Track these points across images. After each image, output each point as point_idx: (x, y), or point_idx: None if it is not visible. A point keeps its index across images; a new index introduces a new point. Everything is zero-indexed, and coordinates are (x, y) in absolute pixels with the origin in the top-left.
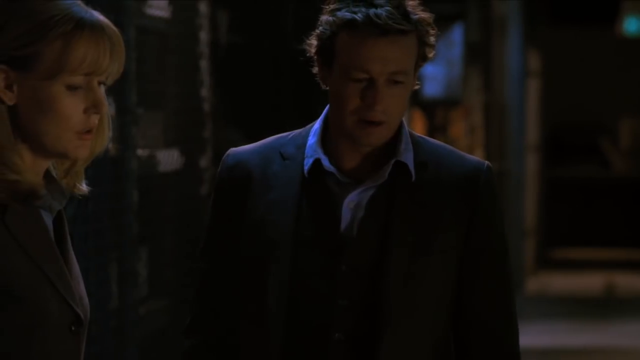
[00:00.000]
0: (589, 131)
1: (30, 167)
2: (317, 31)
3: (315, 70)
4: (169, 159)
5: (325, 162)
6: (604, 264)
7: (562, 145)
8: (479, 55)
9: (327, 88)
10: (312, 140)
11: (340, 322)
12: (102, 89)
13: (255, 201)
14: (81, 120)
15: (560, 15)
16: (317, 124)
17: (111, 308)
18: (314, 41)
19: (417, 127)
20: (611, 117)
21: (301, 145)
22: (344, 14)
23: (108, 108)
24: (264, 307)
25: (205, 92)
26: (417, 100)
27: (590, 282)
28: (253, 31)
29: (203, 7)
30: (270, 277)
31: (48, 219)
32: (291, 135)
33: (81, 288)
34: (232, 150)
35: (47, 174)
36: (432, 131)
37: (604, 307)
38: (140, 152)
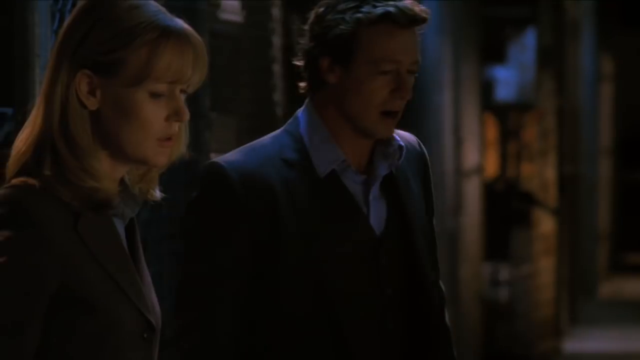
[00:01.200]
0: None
1: (109, 174)
2: (328, 31)
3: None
4: None
5: (348, 162)
6: None
7: (636, 149)
8: (551, 59)
9: (330, 86)
10: (317, 140)
11: (390, 310)
12: (183, 97)
13: (286, 211)
14: (162, 127)
15: (632, 19)
16: (305, 125)
17: None
18: (314, 42)
19: (490, 131)
20: None
21: (300, 148)
22: (372, 9)
23: (188, 116)
24: (318, 314)
25: (277, 96)
26: (490, 104)
27: None
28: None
29: (276, 11)
30: (322, 285)
31: (120, 227)
32: (274, 140)
33: (153, 295)
34: (225, 163)
35: (121, 181)
36: (505, 135)
37: None
38: (213, 156)
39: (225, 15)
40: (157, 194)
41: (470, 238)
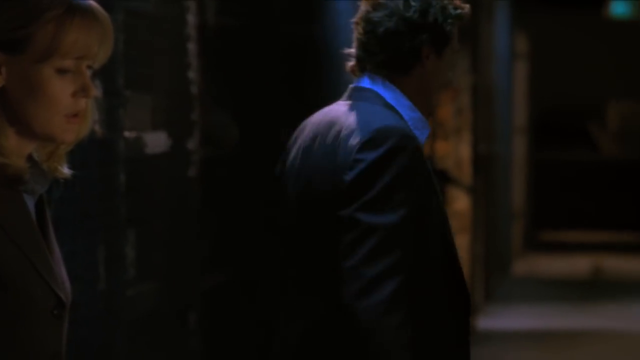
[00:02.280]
0: (577, 114)
1: (16, 150)
2: (441, 23)
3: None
4: (157, 142)
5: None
6: (592, 247)
7: (551, 128)
8: (466, 37)
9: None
10: (415, 115)
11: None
12: (89, 73)
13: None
14: (70, 103)
15: None
16: (399, 101)
17: (99, 290)
18: (426, 33)
19: None
20: (599, 100)
21: (405, 123)
22: (460, 4)
23: (95, 92)
24: (446, 258)
25: (193, 74)
26: None
27: (578, 265)
28: (242, 13)
29: None
30: (446, 236)
31: (30, 203)
32: (388, 114)
33: (63, 272)
34: (406, 132)
35: (30, 157)
36: None
37: (592, 289)
38: (127, 134)
39: None
40: (66, 171)
41: None
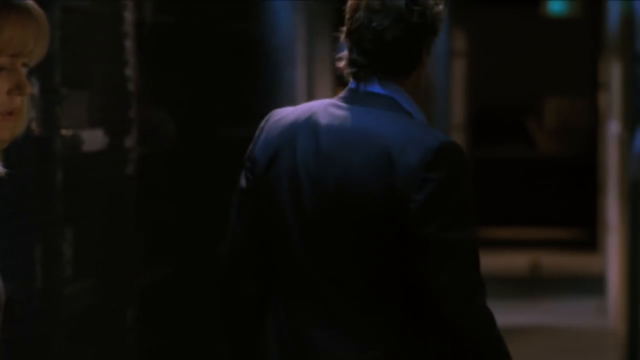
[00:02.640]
0: (514, 111)
1: None
2: (435, 23)
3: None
4: (94, 139)
5: None
6: (530, 243)
7: (488, 125)
8: None
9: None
10: (422, 117)
11: None
12: (25, 70)
13: None
14: (5, 101)
15: None
16: (411, 105)
17: (36, 288)
18: (427, 35)
19: None
20: (536, 97)
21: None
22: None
23: (31, 90)
24: None
25: (130, 72)
26: (343, 80)
27: (515, 261)
28: (179, 11)
29: None
30: None
31: None
32: (424, 125)
33: None
34: (456, 143)
35: None
36: None
37: (529, 286)
38: (64, 132)
39: None
40: (1, 169)
41: None
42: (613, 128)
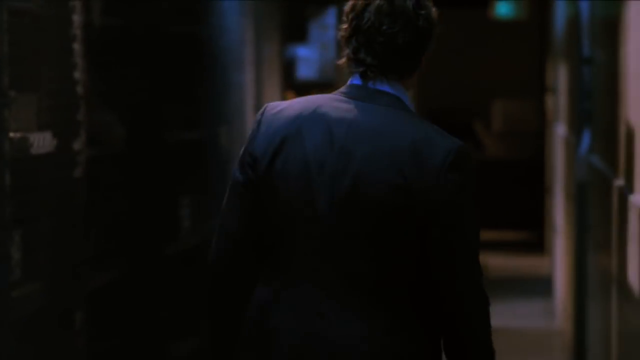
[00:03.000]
0: (462, 114)
1: None
2: (435, 26)
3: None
4: (42, 142)
5: None
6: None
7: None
8: None
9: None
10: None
11: None
12: None
13: None
14: None
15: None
16: (409, 104)
17: None
18: (432, 38)
19: None
20: (484, 100)
21: None
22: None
23: None
24: None
25: (78, 74)
26: (292, 82)
27: None
28: (127, 13)
29: None
30: None
31: None
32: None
33: None
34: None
35: None
36: None
37: None
38: (12, 134)
39: None
40: None
41: None
42: (560, 131)
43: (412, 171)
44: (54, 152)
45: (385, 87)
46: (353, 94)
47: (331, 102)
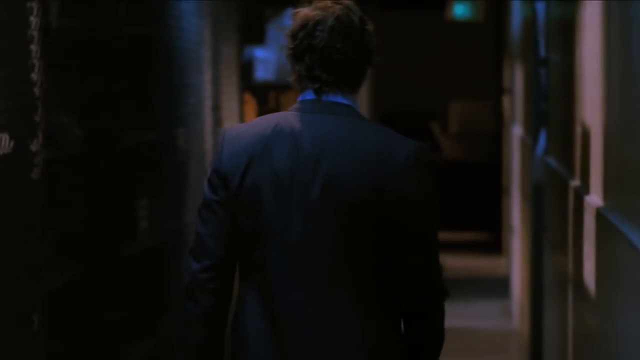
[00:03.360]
0: (419, 115)
1: None
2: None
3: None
4: None
5: None
6: None
7: (396, 130)
8: None
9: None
10: None
11: None
12: None
13: None
14: None
15: (391, 2)
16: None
17: None
18: (367, 52)
19: (249, 110)
20: (441, 102)
21: None
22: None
23: None
24: None
25: (35, 76)
26: (249, 84)
27: None
28: (85, 15)
29: None
30: None
31: None
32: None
33: None
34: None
35: None
36: (264, 114)
37: None
38: None
39: None
40: None
41: None
42: (516, 132)
43: (377, 172)
44: (11, 154)
45: (339, 99)
46: (309, 109)
47: (291, 118)
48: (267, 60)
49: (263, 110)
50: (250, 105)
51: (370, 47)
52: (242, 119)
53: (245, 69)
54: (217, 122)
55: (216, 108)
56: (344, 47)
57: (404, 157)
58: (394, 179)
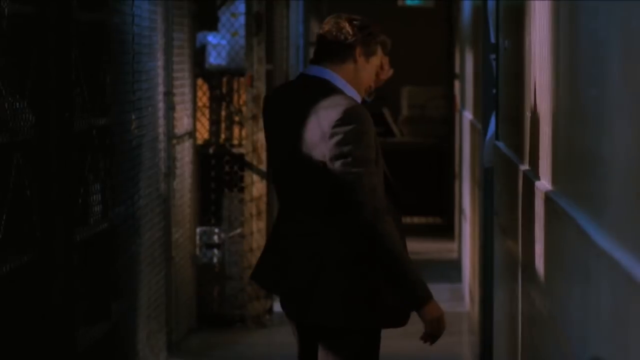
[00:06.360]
0: (375, 100)
1: None
2: (366, 41)
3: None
4: None
5: None
6: None
7: None
8: (261, 25)
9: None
10: (352, 92)
11: None
12: None
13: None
14: None
15: None
16: (341, 83)
17: None
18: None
19: (202, 96)
20: (393, 87)
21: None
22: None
23: None
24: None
25: None
26: (202, 70)
27: None
28: (38, 1)
29: None
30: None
31: None
32: (343, 96)
33: None
34: (359, 109)
35: None
36: (216, 100)
37: None
38: None
39: None
40: None
41: (183, 202)
42: (467, 117)
43: (323, 124)
44: None
45: (315, 71)
46: (301, 79)
47: (294, 86)
48: (220, 46)
49: (215, 96)
50: (203, 91)
51: (347, 39)
52: (194, 104)
53: (198, 54)
54: (170, 108)
55: (169, 93)
56: (328, 36)
57: (335, 115)
58: (326, 133)
